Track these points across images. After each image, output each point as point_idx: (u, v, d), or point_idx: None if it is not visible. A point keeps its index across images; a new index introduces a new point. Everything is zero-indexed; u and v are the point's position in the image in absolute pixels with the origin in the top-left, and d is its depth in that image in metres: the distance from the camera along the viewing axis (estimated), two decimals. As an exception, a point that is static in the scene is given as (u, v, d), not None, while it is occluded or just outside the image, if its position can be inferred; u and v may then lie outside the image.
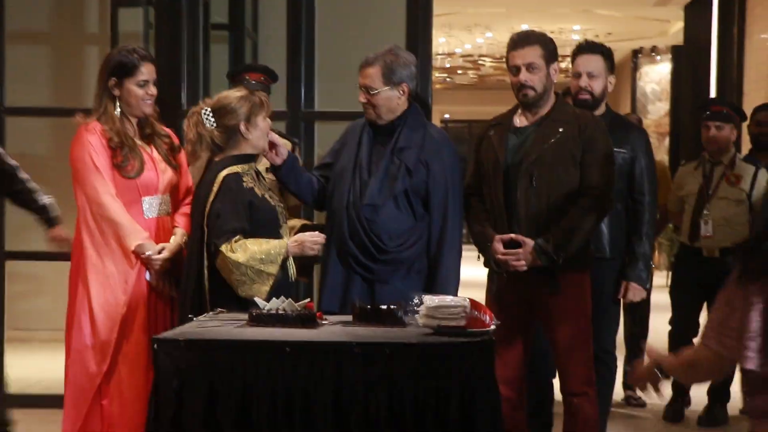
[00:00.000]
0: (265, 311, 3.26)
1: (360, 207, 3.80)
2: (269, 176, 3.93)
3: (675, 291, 5.56)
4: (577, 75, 4.45)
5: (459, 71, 16.75)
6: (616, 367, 4.61)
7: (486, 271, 4.02)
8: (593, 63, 4.44)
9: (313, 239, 3.62)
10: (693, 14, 10.16)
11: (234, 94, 3.72)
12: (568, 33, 13.73)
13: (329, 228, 3.88)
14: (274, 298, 3.35)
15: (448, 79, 18.05)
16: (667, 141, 13.34)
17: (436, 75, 17.37)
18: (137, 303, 3.81)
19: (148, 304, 3.83)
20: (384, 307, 3.30)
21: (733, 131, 5.42)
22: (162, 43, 5.29)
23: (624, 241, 4.43)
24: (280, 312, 3.24)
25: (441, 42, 14.81)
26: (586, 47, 4.53)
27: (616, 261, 4.42)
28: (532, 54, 3.87)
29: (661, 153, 13.64)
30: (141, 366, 3.76)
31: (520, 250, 3.80)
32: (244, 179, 3.65)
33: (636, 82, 14.56)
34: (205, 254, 3.58)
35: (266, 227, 3.64)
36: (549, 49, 3.90)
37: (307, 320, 3.23)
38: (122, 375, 3.78)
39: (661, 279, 8.84)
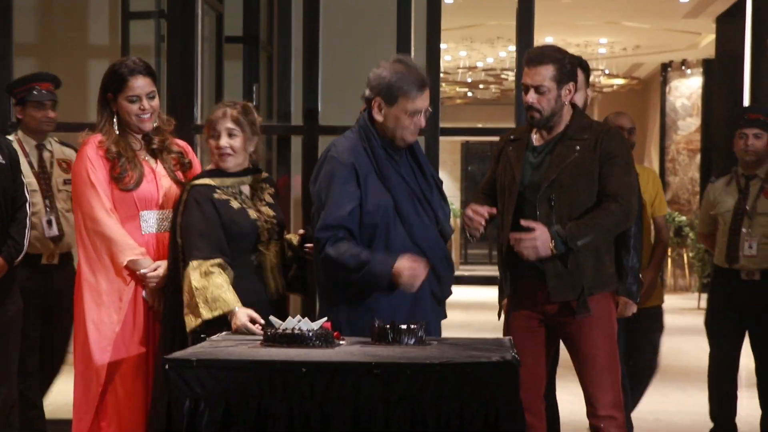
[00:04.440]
0: (280, 331, 3.27)
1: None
2: (267, 190, 3.92)
3: (711, 321, 5.38)
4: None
5: (481, 86, 16.76)
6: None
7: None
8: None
9: (253, 329, 3.56)
10: (725, 26, 10.16)
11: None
12: (595, 46, 13.78)
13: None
14: (290, 317, 3.36)
15: (469, 94, 18.07)
16: (698, 158, 13.30)
17: (457, 90, 17.39)
18: (133, 321, 3.80)
19: (145, 323, 3.82)
20: (404, 326, 3.30)
21: None
22: (174, 56, 5.33)
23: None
24: (296, 332, 3.25)
25: (462, 55, 14.84)
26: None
27: None
28: (543, 75, 3.86)
29: (692, 171, 13.60)
30: (138, 386, 3.77)
31: (534, 233, 3.75)
32: (217, 192, 3.72)
33: (665, 96, 14.56)
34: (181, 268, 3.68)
35: (240, 241, 3.71)
36: (564, 69, 3.88)
37: (323, 340, 3.24)
38: (119, 396, 3.78)
39: (692, 301, 8.77)
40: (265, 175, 3.94)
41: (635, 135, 5.30)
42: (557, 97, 3.87)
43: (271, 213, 3.84)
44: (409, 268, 3.55)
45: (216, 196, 3.73)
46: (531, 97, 3.88)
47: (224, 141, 3.78)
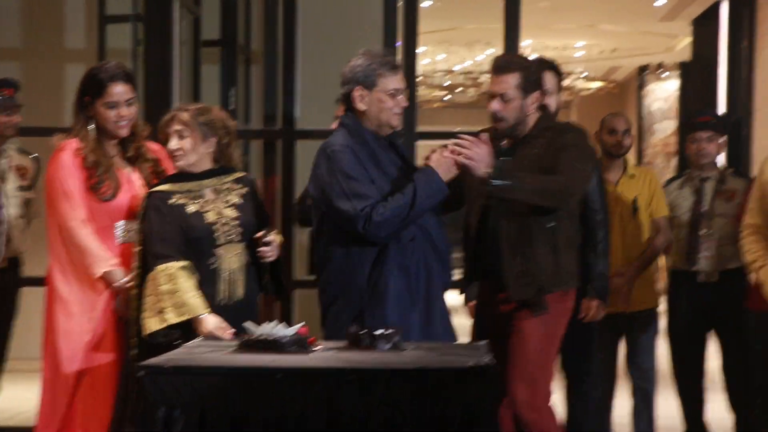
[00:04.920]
0: (255, 336, 3.26)
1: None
2: (237, 191, 3.89)
3: (674, 325, 5.30)
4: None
5: (458, 89, 16.76)
6: (591, 397, 4.72)
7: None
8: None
9: (225, 333, 3.57)
10: (701, 29, 10.16)
11: None
12: (572, 49, 13.73)
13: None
14: (267, 323, 3.35)
15: (446, 98, 18.06)
16: (674, 161, 13.34)
17: (434, 93, 17.36)
18: (104, 332, 3.76)
19: (116, 333, 3.78)
20: (379, 331, 3.30)
21: (721, 144, 5.29)
22: (151, 60, 5.30)
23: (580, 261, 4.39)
24: (271, 337, 3.24)
25: (440, 59, 14.83)
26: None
27: None
28: (508, 83, 3.88)
29: (669, 173, 13.63)
30: (108, 397, 3.72)
31: (481, 146, 3.71)
32: (173, 197, 3.72)
33: (642, 100, 14.59)
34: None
35: (196, 245, 3.70)
36: (529, 78, 3.90)
37: (299, 345, 3.23)
38: (88, 406, 3.74)
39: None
40: (237, 175, 3.90)
41: (630, 137, 5.28)
42: (522, 106, 3.90)
43: (234, 214, 3.80)
44: (438, 159, 3.72)
45: (171, 201, 3.72)
46: (495, 105, 3.91)
47: (173, 143, 3.77)
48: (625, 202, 5.20)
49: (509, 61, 3.95)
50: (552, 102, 4.40)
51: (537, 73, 3.94)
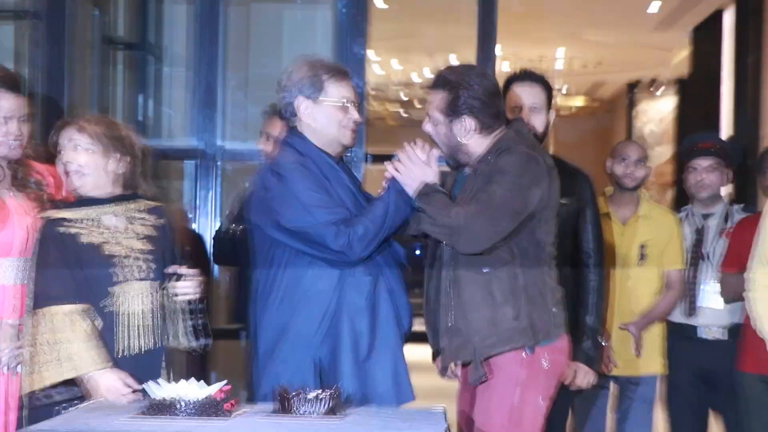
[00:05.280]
0: (160, 399, 3.21)
1: None
2: (148, 221, 3.89)
3: (671, 391, 5.34)
4: (515, 110, 4.44)
5: (417, 104, 16.81)
6: None
7: None
8: (535, 95, 4.48)
9: (124, 394, 3.57)
10: (701, 40, 10.25)
11: None
12: (550, 61, 13.87)
13: None
14: (183, 381, 3.31)
15: (404, 115, 18.12)
16: (670, 194, 13.42)
17: (389, 108, 17.42)
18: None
19: (7, 392, 3.75)
20: (313, 393, 3.27)
21: (726, 174, 5.33)
22: (41, 62, 5.26)
23: (569, 313, 4.34)
24: (180, 400, 3.18)
25: (396, 68, 14.91)
26: (528, 75, 4.53)
27: None
28: (433, 102, 3.86)
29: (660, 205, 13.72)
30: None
31: (420, 162, 3.76)
32: (64, 224, 3.69)
33: (632, 121, 14.72)
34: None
35: (92, 283, 3.67)
36: (457, 101, 3.82)
37: (209, 411, 3.19)
38: None
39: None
40: (148, 203, 3.89)
41: (645, 167, 5.30)
42: (448, 133, 3.84)
43: (143, 248, 3.78)
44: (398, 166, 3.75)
45: (65, 230, 3.69)
46: (426, 126, 3.90)
47: (69, 160, 3.74)
48: (631, 247, 5.22)
49: (440, 75, 3.87)
50: (538, 122, 4.44)
51: (474, 98, 3.81)
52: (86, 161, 3.74)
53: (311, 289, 3.78)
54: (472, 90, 3.81)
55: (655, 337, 5.28)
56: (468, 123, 3.81)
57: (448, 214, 3.68)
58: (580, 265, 4.50)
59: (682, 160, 5.49)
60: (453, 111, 3.81)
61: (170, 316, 3.84)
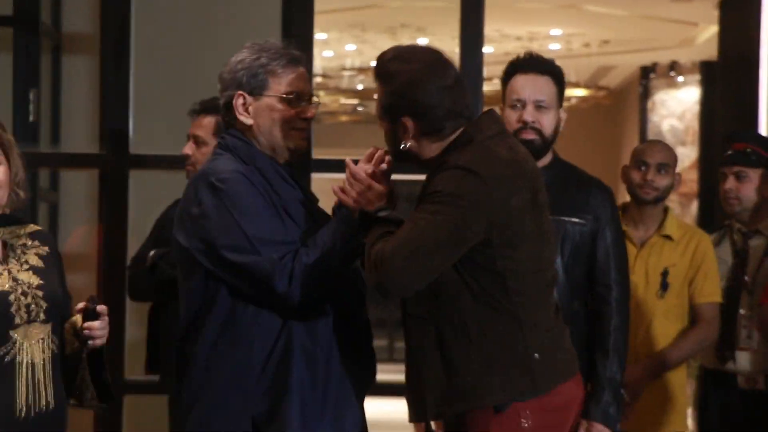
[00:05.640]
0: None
1: None
2: (34, 249, 3.87)
3: None
4: (517, 104, 4.48)
5: (377, 96, 16.75)
6: None
7: None
8: (543, 88, 4.50)
9: None
10: (733, 14, 10.28)
11: None
12: (543, 40, 13.93)
13: None
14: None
15: (359, 108, 18.05)
16: (695, 206, 13.40)
17: (342, 101, 17.42)
18: None
19: None
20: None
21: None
22: None
23: (584, 359, 4.36)
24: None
25: (350, 50, 14.92)
26: (533, 63, 4.53)
27: None
28: (377, 96, 3.89)
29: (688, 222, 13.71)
30: None
31: (370, 182, 3.81)
32: None
33: (647, 116, 14.83)
34: None
35: None
36: (396, 93, 3.81)
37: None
38: None
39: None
40: (32, 228, 3.89)
41: (669, 176, 5.27)
42: (389, 137, 3.85)
43: (35, 282, 3.77)
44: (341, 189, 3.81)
45: None
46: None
47: None
48: (650, 274, 5.26)
49: (379, 62, 3.85)
50: (546, 122, 4.49)
51: (416, 91, 3.76)
52: None
53: (252, 328, 3.79)
54: (413, 84, 3.77)
55: (674, 386, 5.30)
56: (409, 125, 3.78)
57: (370, 251, 3.70)
58: (598, 300, 4.56)
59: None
60: (389, 110, 3.80)
61: (71, 365, 3.84)
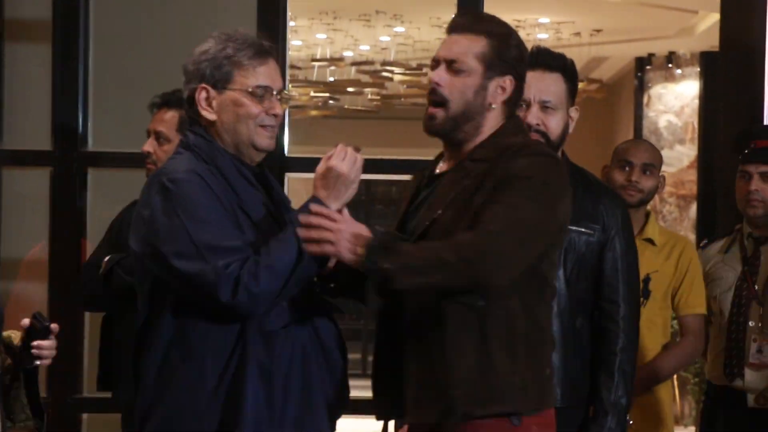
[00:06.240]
0: None
1: None
2: None
3: None
4: (521, 104, 4.41)
5: (350, 88, 16.70)
6: None
7: None
8: (551, 86, 4.50)
9: None
10: (735, 0, 10.22)
11: None
12: (531, 28, 13.97)
13: None
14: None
15: (331, 102, 18.00)
16: (694, 209, 13.40)
17: (312, 94, 17.41)
18: None
19: None
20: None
21: None
22: None
23: (586, 381, 4.53)
24: None
25: (320, 39, 14.85)
26: (541, 59, 4.52)
27: (573, 412, 4.52)
28: (466, 47, 3.92)
29: (685, 229, 13.75)
30: None
31: (336, 223, 3.76)
32: None
33: (642, 110, 14.90)
34: None
35: None
36: (504, 52, 3.94)
37: None
38: None
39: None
40: None
41: (653, 177, 5.37)
42: (479, 88, 3.92)
43: None
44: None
45: None
46: (438, 75, 3.93)
47: None
48: None
49: (478, 18, 3.98)
50: (553, 124, 4.49)
51: (517, 51, 3.95)
52: None
53: (204, 342, 3.80)
54: (520, 49, 3.95)
55: (662, 402, 5.38)
56: (508, 86, 3.92)
57: (451, 248, 3.69)
58: (604, 317, 4.54)
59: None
60: (498, 64, 3.90)
61: (7, 386, 3.88)
